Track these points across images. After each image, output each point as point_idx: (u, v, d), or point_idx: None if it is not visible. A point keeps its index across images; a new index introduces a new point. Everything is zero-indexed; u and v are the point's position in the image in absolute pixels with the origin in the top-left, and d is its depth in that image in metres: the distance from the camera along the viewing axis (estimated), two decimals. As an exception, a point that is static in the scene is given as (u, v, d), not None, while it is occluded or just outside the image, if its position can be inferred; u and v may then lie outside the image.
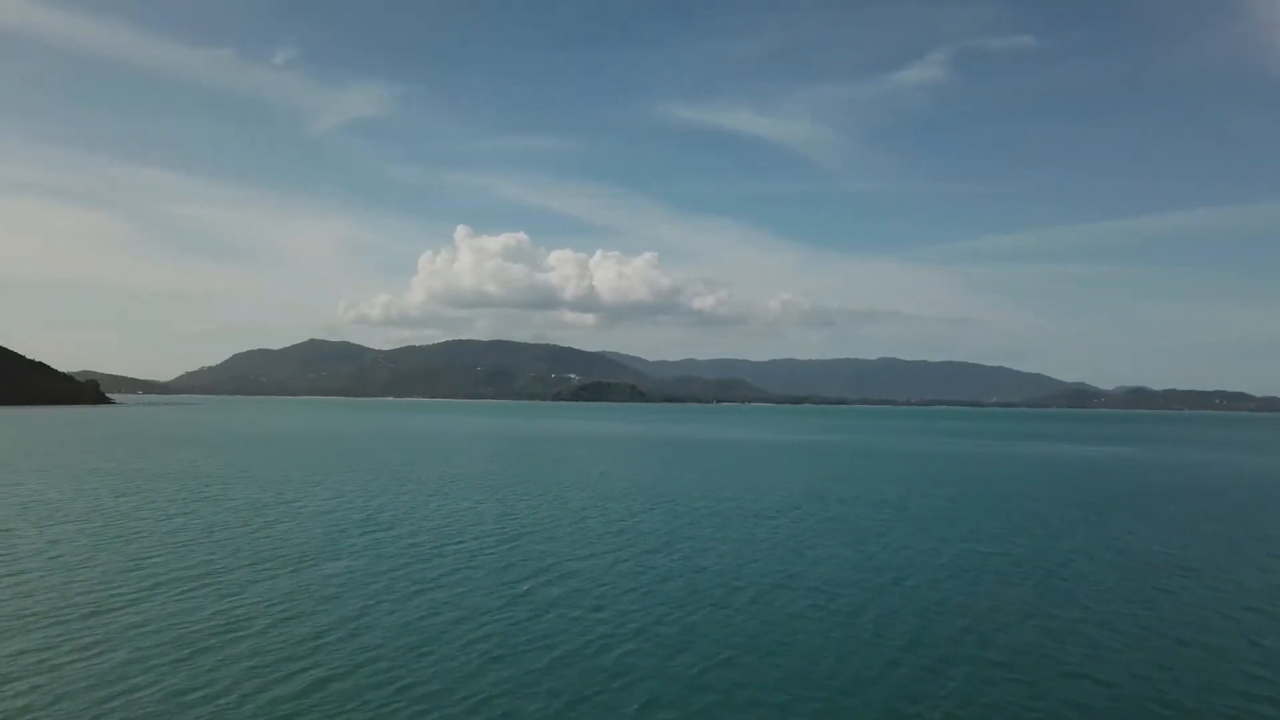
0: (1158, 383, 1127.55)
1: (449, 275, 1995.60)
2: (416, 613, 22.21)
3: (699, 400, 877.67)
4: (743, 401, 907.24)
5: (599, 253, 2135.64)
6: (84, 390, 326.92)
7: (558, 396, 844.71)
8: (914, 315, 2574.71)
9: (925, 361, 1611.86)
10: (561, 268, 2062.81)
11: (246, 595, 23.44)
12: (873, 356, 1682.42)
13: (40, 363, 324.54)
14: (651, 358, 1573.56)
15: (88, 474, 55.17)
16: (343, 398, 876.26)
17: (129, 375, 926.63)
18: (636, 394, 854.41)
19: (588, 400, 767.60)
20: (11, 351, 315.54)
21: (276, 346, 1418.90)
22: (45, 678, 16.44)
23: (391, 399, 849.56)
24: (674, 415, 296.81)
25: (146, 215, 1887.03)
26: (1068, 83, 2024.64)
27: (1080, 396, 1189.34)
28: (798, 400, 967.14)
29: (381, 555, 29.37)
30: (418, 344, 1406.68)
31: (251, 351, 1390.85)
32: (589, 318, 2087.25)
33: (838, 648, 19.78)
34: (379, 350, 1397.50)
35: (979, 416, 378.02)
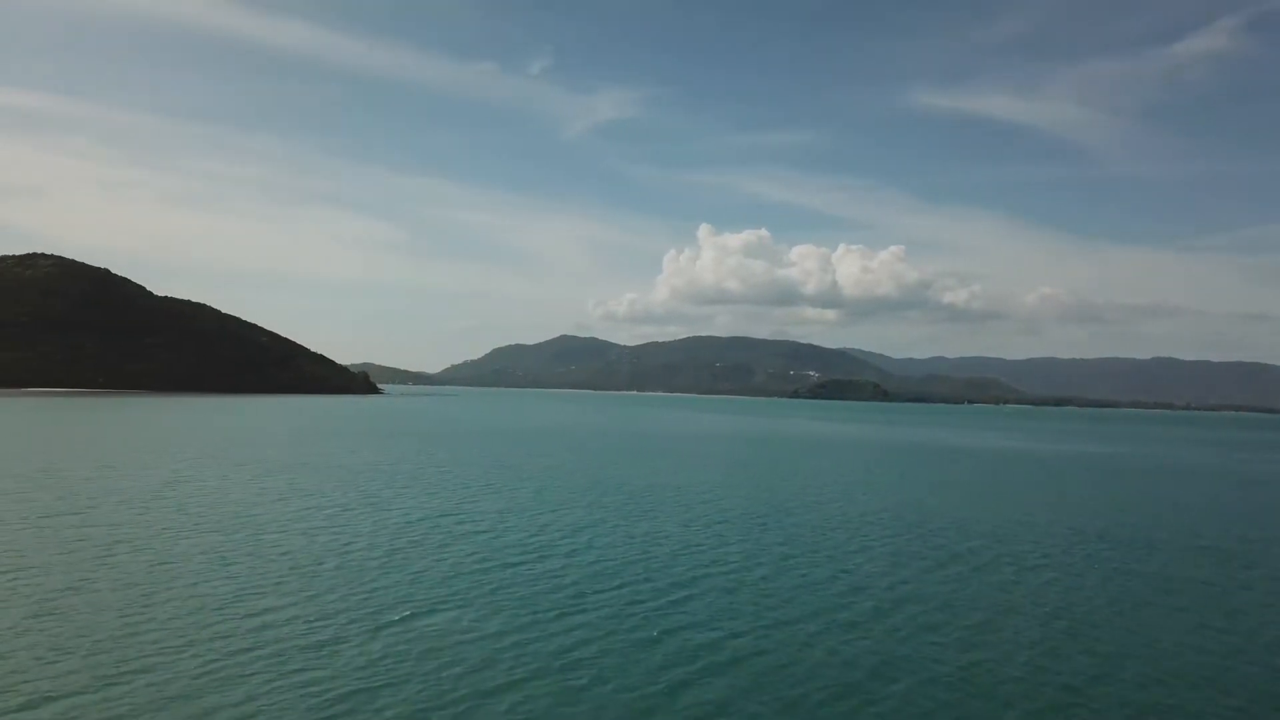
0: None
1: (691, 273, 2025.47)
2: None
3: (947, 400, 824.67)
4: (997, 402, 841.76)
5: (842, 247, 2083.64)
6: (356, 381, 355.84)
7: (795, 394, 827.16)
8: (1196, 310, 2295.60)
9: (1207, 361, 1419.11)
10: (803, 263, 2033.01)
11: (299, 641, 17.12)
12: (1145, 355, 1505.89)
13: (322, 355, 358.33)
14: (896, 355, 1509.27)
15: (282, 469, 53.37)
16: (588, 390, 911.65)
17: (403, 368, 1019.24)
18: (879, 393, 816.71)
19: (826, 398, 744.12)
20: (299, 345, 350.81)
21: (531, 342, 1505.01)
22: None
23: (634, 392, 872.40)
24: (920, 417, 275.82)
25: (419, 221, 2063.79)
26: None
27: None
28: (1058, 402, 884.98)
29: (502, 607, 22.27)
30: (660, 340, 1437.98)
31: (509, 346, 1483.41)
32: (830, 313, 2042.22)
33: None
34: (623, 346, 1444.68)
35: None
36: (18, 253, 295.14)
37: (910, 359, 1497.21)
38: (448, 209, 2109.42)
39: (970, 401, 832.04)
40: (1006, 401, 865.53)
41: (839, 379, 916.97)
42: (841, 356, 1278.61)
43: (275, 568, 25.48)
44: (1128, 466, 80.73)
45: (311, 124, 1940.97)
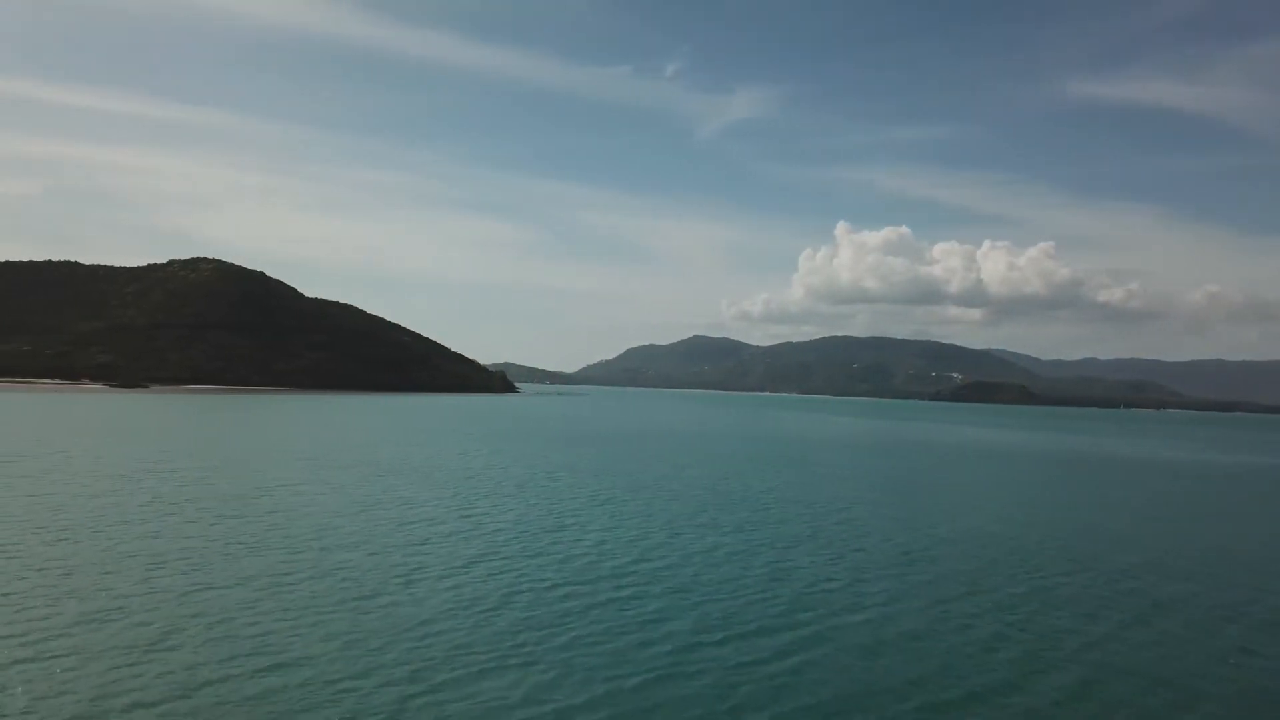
0: None
1: (828, 271, 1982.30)
2: None
3: (1100, 404, 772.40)
4: (1157, 406, 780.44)
5: (987, 244, 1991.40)
6: (494, 380, 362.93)
7: (937, 396, 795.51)
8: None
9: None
10: (945, 260, 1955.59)
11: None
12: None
13: (460, 354, 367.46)
14: (1044, 356, 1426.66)
15: (387, 472, 51.37)
16: (719, 391, 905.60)
17: (541, 367, 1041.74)
18: (1026, 395, 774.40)
19: (970, 401, 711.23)
20: (437, 344, 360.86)
21: (664, 342, 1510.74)
22: None
23: (766, 393, 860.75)
24: (1073, 421, 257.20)
25: (556, 224, 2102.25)
26: None
27: None
28: (1226, 407, 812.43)
29: (570, 667, 18.25)
30: (795, 340, 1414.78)
31: (642, 346, 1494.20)
32: (974, 313, 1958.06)
33: None
34: (756, 346, 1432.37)
35: None
36: (184, 257, 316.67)
37: (1060, 360, 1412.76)
38: (585, 212, 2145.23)
39: (1127, 406, 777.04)
40: (1167, 406, 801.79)
41: (983, 381, 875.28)
42: (986, 357, 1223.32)
43: (319, 600, 22.14)
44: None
45: (451, 131, 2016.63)
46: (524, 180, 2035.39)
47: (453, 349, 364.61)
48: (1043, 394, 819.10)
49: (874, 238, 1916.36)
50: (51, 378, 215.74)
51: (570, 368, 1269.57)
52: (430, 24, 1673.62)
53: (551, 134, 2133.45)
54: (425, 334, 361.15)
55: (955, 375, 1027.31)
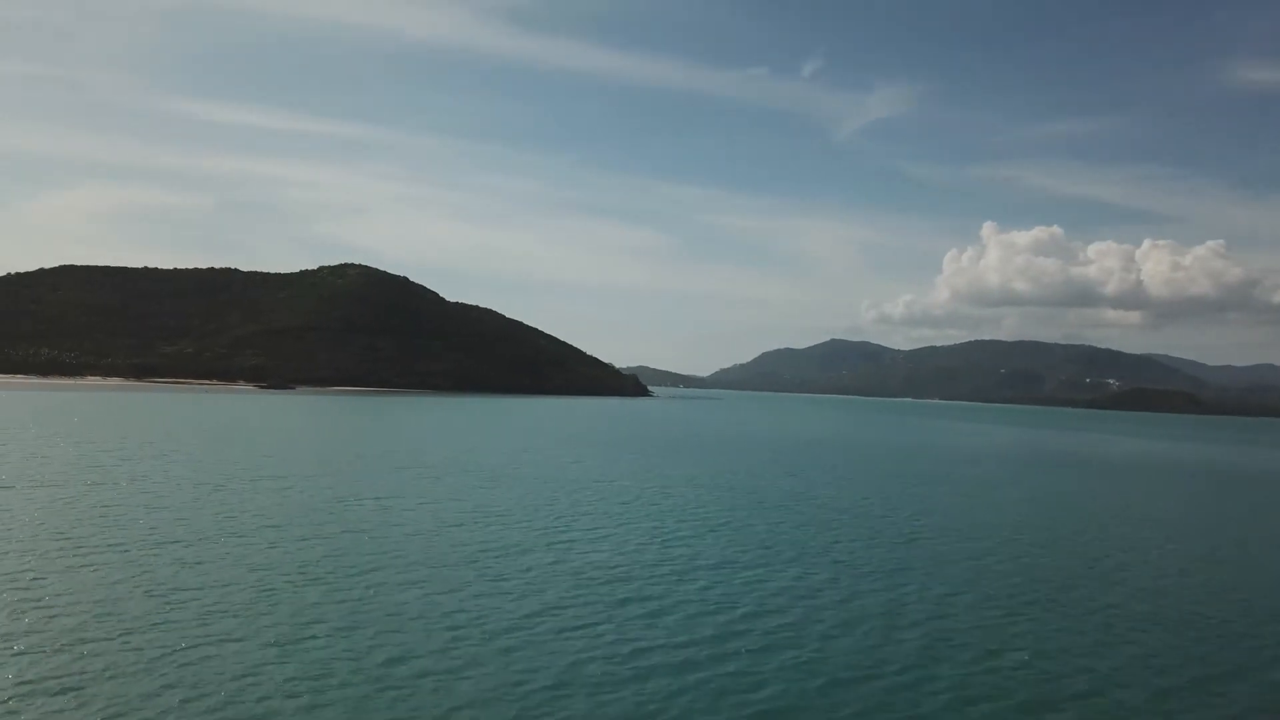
0: None
1: (974, 273, 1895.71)
2: None
3: (1278, 414, 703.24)
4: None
5: (1147, 242, 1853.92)
6: (627, 383, 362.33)
7: (1092, 404, 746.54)
8: None
9: None
10: (1101, 261, 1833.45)
11: None
12: None
13: (593, 357, 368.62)
14: (1212, 362, 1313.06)
15: (490, 482, 47.34)
16: (858, 396, 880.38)
17: (675, 371, 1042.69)
18: (1192, 403, 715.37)
19: (1129, 409, 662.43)
20: (573, 347, 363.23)
21: (800, 346, 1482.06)
22: None
23: (908, 399, 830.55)
24: (1255, 434, 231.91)
25: (692, 227, 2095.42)
26: None
27: None
28: None
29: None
30: (938, 344, 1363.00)
31: (778, 350, 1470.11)
32: (1133, 315, 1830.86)
33: None
34: (898, 350, 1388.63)
35: None
36: (334, 264, 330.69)
37: (1229, 366, 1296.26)
38: (721, 215, 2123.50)
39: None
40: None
41: (1143, 388, 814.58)
42: (1146, 363, 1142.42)
43: (333, 670, 17.55)
44: None
45: (586, 137, 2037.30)
46: (660, 185, 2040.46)
47: (588, 352, 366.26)
48: (1211, 402, 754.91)
49: (1023, 238, 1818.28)
50: (210, 379, 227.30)
51: (703, 371, 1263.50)
52: (557, 32, 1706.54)
53: (688, 138, 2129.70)
54: (561, 337, 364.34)
55: (1112, 381, 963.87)
